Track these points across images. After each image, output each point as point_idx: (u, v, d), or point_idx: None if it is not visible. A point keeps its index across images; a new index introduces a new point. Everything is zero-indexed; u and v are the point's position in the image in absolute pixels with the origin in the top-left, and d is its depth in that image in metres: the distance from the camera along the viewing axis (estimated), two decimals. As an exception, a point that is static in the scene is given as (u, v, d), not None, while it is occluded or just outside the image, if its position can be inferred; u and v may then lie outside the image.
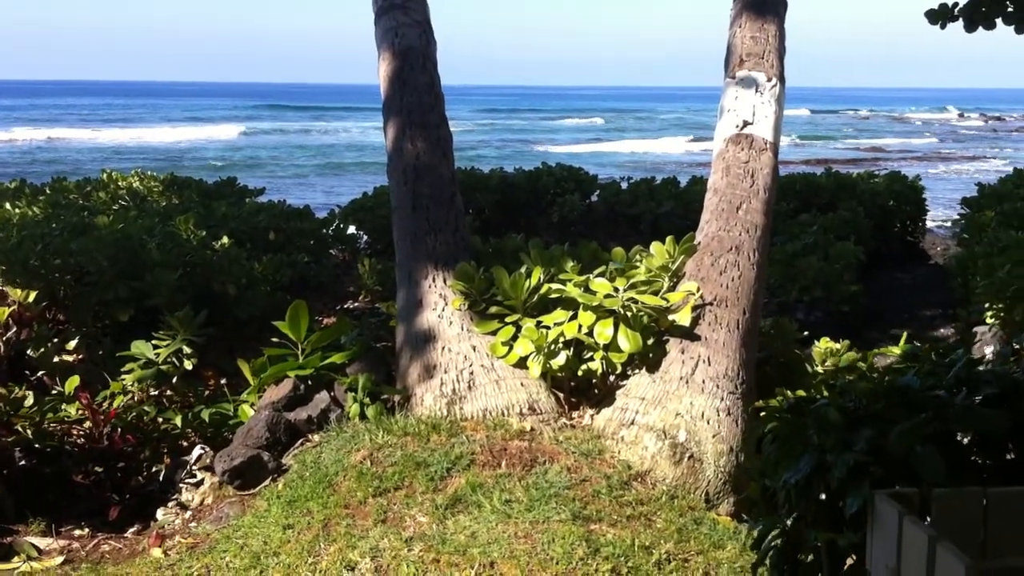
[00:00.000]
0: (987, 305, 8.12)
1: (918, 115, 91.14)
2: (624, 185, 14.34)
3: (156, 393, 7.46)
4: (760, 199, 6.55)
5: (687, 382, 5.84)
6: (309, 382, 6.17)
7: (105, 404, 6.67)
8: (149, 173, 12.56)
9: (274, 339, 6.36)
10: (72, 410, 6.54)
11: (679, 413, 5.71)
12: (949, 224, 16.69)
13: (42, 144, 48.94)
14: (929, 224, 16.73)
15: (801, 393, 3.34)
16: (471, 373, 5.98)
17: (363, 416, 5.84)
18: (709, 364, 5.90)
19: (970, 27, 8.58)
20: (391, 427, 5.62)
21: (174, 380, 7.37)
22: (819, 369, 6.59)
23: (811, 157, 42.87)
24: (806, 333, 6.88)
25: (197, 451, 5.97)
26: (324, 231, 10.91)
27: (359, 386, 5.91)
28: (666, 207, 12.91)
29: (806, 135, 58.35)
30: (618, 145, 53.13)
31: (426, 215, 6.60)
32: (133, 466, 5.87)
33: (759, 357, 6.53)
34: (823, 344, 6.62)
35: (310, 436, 5.86)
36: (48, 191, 11.64)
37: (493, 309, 6.20)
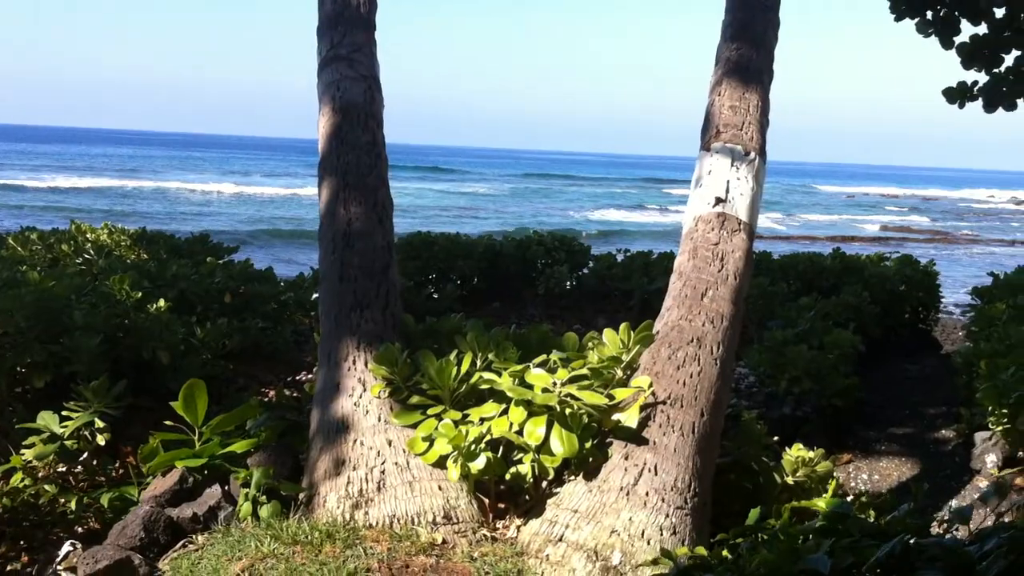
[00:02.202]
0: (990, 409, 7.29)
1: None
2: (620, 258, 13.68)
3: (64, 470, 6.81)
4: (729, 286, 5.85)
5: (628, 493, 5.07)
6: (206, 472, 5.46)
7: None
8: (119, 226, 12.02)
9: (168, 422, 5.66)
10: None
11: (615, 530, 4.94)
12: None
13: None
14: (954, 310, 15.96)
15: (702, 550, 2.60)
16: (382, 472, 5.22)
17: (256, 516, 5.11)
18: (656, 473, 5.14)
19: (989, 108, 7.89)
20: (281, 533, 4.87)
21: (82, 456, 6.70)
22: (789, 480, 5.80)
23: (837, 234, 42.23)
24: (776, 439, 6.10)
25: (66, 547, 5.24)
26: (287, 295, 10.24)
27: (252, 481, 5.18)
28: (659, 283, 12.17)
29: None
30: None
31: (353, 288, 5.90)
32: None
33: (721, 463, 5.75)
34: (794, 452, 5.84)
35: (194, 537, 5.11)
36: (11, 240, 11.14)
37: (415, 399, 5.47)
